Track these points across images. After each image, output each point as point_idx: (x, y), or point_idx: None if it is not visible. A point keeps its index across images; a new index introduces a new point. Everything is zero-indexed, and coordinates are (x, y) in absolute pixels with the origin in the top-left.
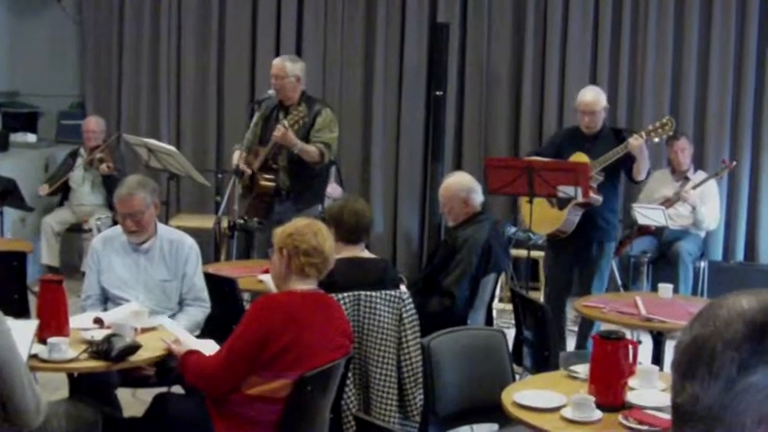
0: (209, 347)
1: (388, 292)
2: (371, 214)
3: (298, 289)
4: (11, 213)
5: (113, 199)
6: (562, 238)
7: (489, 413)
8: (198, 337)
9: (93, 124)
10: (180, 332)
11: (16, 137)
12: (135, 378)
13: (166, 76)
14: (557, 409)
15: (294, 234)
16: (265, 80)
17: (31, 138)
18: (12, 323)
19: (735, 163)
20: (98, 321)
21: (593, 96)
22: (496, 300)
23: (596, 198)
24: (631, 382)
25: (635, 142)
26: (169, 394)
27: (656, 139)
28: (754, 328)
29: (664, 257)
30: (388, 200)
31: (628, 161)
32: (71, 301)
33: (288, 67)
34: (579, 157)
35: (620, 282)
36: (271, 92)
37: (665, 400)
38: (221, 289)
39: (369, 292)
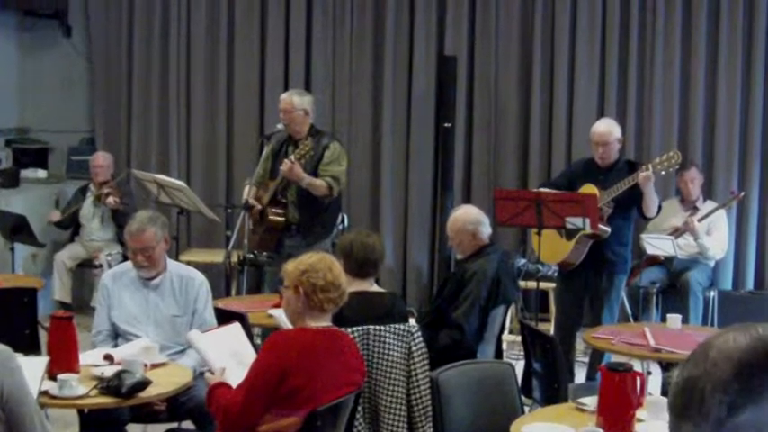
0: (235, 336)
1: (397, 325)
2: (383, 249)
3: (312, 326)
4: (22, 249)
5: (124, 234)
6: (572, 268)
7: None
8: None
9: (101, 159)
10: (206, 348)
11: (27, 173)
12: (146, 414)
13: (176, 111)
14: None
15: (309, 271)
16: (274, 114)
17: (42, 174)
18: (22, 360)
19: (743, 194)
20: (108, 357)
21: (605, 128)
22: (506, 332)
23: (604, 229)
24: (640, 413)
25: (644, 174)
26: (180, 430)
27: (663, 172)
28: (741, 368)
29: (673, 287)
30: (397, 232)
31: (639, 196)
32: (82, 336)
33: (295, 101)
34: (588, 189)
35: (629, 312)
36: (280, 126)
37: None
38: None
39: (378, 327)
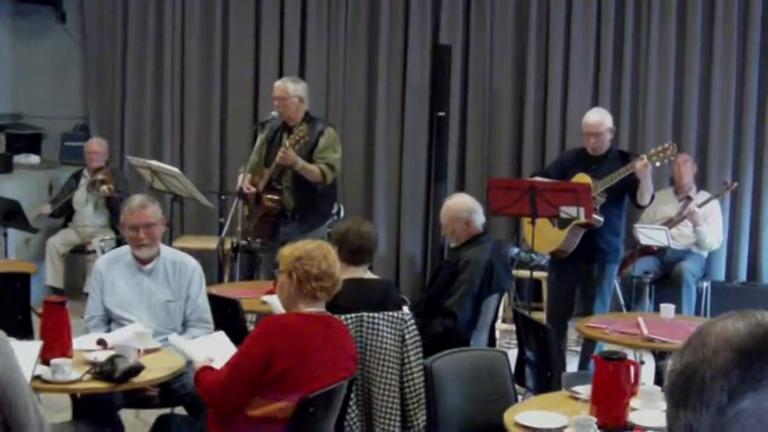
0: (219, 342)
1: (390, 313)
2: (377, 237)
3: (306, 311)
4: (15, 235)
5: (123, 216)
6: (564, 257)
7: None
8: None
9: (96, 145)
10: (187, 346)
11: (20, 158)
12: (138, 399)
13: (170, 97)
14: (559, 430)
15: (303, 258)
16: (269, 101)
17: (35, 159)
18: (15, 344)
19: (736, 184)
20: (101, 342)
21: (597, 118)
22: (499, 320)
23: (597, 219)
24: (633, 402)
25: (641, 164)
26: (172, 416)
27: (658, 164)
28: (742, 354)
29: (666, 278)
30: (391, 221)
31: (632, 185)
32: (74, 322)
33: (290, 88)
34: (581, 178)
35: (622, 302)
36: (274, 113)
37: None
38: (225, 310)
39: (371, 314)
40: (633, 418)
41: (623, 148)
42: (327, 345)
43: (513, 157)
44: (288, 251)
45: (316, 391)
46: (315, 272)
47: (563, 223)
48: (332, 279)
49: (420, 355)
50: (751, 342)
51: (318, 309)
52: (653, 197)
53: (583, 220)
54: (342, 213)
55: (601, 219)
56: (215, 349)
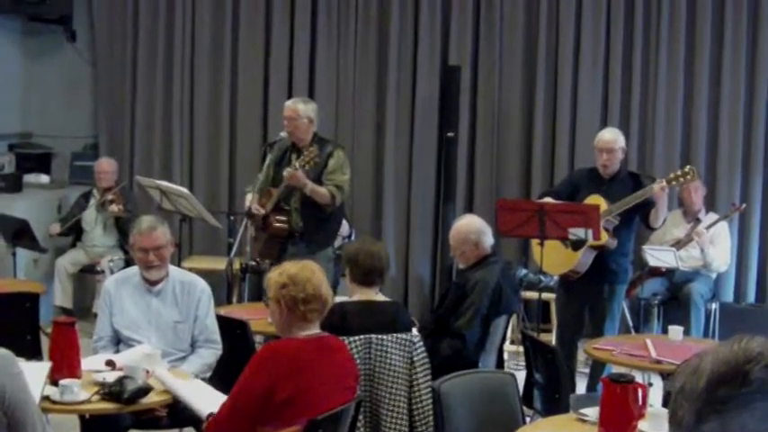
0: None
1: (399, 335)
2: (388, 257)
3: (300, 335)
4: (24, 254)
5: (132, 238)
6: (574, 278)
7: None
8: (209, 378)
9: (105, 165)
10: (181, 388)
11: (29, 178)
12: (147, 420)
13: (179, 118)
14: None
15: (288, 285)
16: (278, 122)
17: (45, 179)
18: (24, 365)
19: (744, 205)
20: (110, 363)
21: (611, 135)
22: (507, 342)
23: (611, 242)
24: (641, 425)
25: (658, 187)
26: None
27: (677, 188)
28: (711, 379)
29: (675, 299)
30: (399, 242)
31: (645, 207)
32: (83, 342)
33: (300, 108)
34: (595, 200)
35: (630, 324)
36: (283, 134)
37: None
38: (233, 331)
39: (380, 336)
40: None
41: (632, 169)
42: (327, 366)
43: (522, 178)
44: (274, 278)
45: (323, 413)
46: (301, 296)
47: (576, 245)
48: (320, 300)
49: (428, 376)
50: (723, 367)
51: (313, 331)
52: (665, 219)
53: (596, 242)
54: (353, 235)
55: (614, 242)
56: (204, 395)
